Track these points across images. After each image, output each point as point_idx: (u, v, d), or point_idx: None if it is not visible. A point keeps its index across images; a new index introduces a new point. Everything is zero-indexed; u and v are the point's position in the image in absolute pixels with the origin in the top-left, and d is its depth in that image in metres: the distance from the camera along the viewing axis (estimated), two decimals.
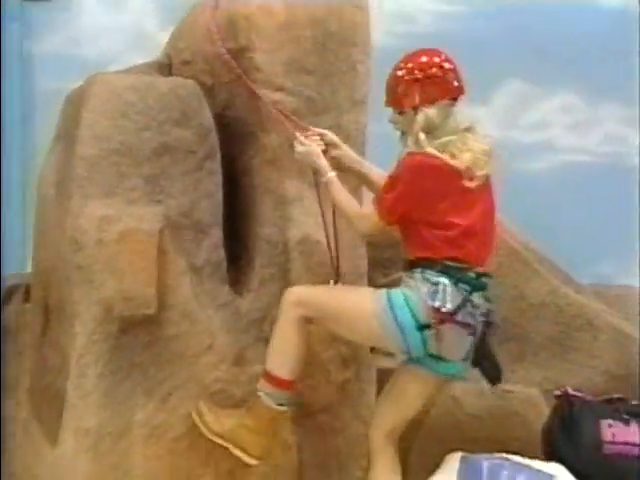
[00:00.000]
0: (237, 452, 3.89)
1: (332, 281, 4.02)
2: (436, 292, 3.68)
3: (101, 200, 3.94)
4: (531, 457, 4.04)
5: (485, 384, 3.93)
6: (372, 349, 3.99)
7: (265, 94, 4.08)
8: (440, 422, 4.31)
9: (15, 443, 4.35)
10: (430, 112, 3.80)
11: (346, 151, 4.02)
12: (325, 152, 3.93)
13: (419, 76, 3.82)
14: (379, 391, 4.09)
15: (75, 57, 5.10)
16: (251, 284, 4.11)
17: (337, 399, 4.11)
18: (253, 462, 3.90)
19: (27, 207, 4.86)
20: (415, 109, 3.81)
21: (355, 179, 4.07)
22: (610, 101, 5.22)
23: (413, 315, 3.68)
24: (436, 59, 3.88)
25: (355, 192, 4.03)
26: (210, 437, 3.89)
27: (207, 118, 4.10)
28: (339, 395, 4.11)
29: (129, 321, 3.90)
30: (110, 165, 3.96)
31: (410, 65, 3.85)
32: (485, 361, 3.80)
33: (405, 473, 4.01)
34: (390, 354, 3.86)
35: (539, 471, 3.89)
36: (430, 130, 3.79)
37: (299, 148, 3.93)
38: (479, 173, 3.77)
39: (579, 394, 4.23)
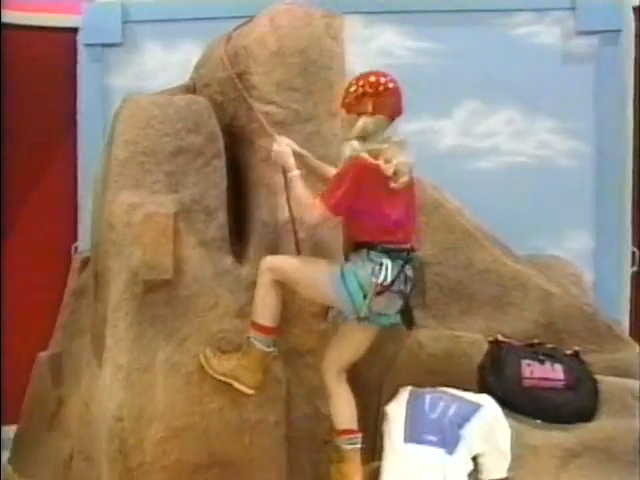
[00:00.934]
0: (237, 385, 3.87)
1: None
2: (379, 270, 3.66)
3: (130, 191, 3.95)
4: (471, 387, 4.02)
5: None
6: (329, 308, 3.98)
7: (258, 107, 4.03)
8: (407, 360, 4.23)
9: (83, 373, 4.36)
10: (368, 121, 3.71)
11: (309, 156, 3.97)
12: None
13: (368, 91, 3.73)
14: None
15: (141, 88, 5.06)
16: (249, 256, 4.05)
17: (319, 344, 4.01)
18: (250, 392, 3.89)
19: None
20: (359, 116, 3.73)
21: (315, 176, 3.97)
22: (541, 116, 5.21)
23: (361, 287, 3.67)
24: (382, 79, 3.78)
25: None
26: (215, 376, 3.88)
27: (215, 127, 4.07)
28: (320, 340, 4.01)
29: (151, 284, 3.88)
30: (137, 164, 3.97)
31: (362, 82, 3.76)
32: (405, 312, 3.79)
33: (379, 400, 4.02)
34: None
35: (470, 401, 3.79)
36: (365, 136, 3.71)
37: (275, 147, 3.86)
38: (401, 179, 3.72)
39: (507, 340, 4.14)
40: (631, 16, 5.11)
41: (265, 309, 3.81)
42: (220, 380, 3.87)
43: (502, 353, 4.05)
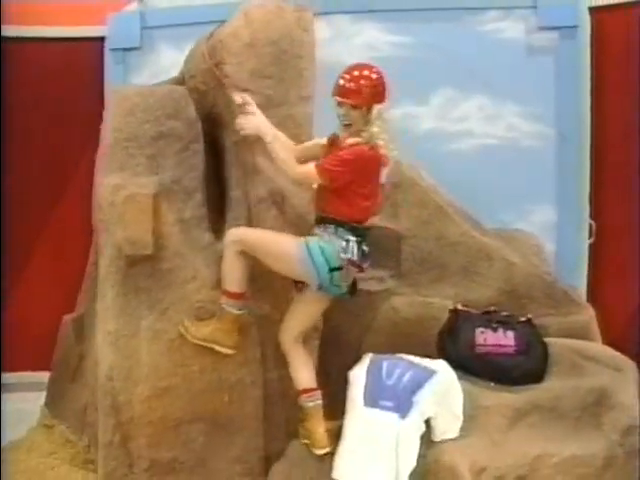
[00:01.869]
0: (216, 347, 3.28)
1: None
2: (347, 247, 3.10)
3: (116, 173, 3.34)
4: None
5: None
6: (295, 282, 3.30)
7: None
8: (383, 324, 3.68)
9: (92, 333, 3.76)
10: (375, 110, 3.11)
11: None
12: None
13: (375, 83, 3.15)
14: None
15: None
16: (225, 232, 3.35)
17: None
18: (230, 351, 3.29)
19: None
20: (369, 108, 3.11)
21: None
22: (509, 102, 4.56)
23: (327, 261, 3.08)
24: (379, 73, 3.19)
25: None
26: (195, 341, 3.28)
27: (192, 113, 3.42)
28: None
29: (134, 258, 3.28)
30: (122, 149, 3.36)
31: (367, 75, 3.16)
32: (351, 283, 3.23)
33: (358, 359, 3.35)
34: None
35: (425, 368, 3.11)
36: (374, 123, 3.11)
37: (242, 120, 3.22)
38: (387, 158, 3.16)
39: (465, 309, 3.46)
40: (587, 14, 4.50)
41: (232, 277, 3.19)
42: (200, 345, 3.26)
43: (459, 321, 3.38)
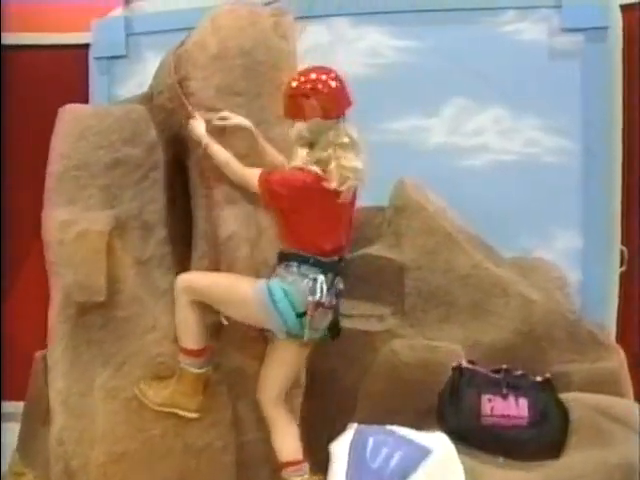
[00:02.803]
0: (179, 412, 2.76)
1: None
2: (314, 287, 2.54)
3: (65, 207, 2.81)
4: None
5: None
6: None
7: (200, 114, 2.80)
8: (382, 368, 3.15)
9: None
10: (301, 127, 2.53)
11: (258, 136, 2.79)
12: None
13: (300, 93, 2.52)
14: None
15: None
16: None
17: None
18: (194, 416, 2.77)
19: None
20: (294, 120, 2.55)
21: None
22: (528, 113, 3.90)
23: (292, 306, 2.55)
24: (323, 77, 2.55)
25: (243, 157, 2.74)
26: (154, 407, 2.77)
27: (153, 137, 2.88)
28: None
29: (85, 306, 2.76)
30: (71, 178, 2.82)
31: (294, 84, 2.56)
32: (332, 324, 2.67)
33: (355, 406, 3.02)
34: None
35: (419, 445, 2.52)
36: (304, 143, 2.51)
37: (189, 126, 2.76)
38: (344, 189, 2.54)
39: (471, 366, 2.87)
40: (618, 13, 3.82)
41: (188, 332, 2.68)
42: None
43: (462, 383, 2.77)
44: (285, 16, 2.91)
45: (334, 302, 2.61)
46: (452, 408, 2.72)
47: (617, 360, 3.23)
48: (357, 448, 2.49)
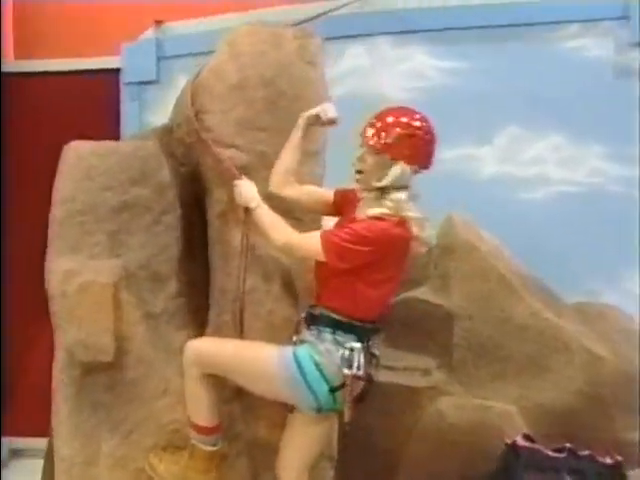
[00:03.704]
0: None
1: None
2: (351, 358, 2.16)
3: (68, 256, 2.47)
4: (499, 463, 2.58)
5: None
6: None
7: (221, 151, 2.43)
8: (425, 429, 2.82)
9: None
10: (406, 169, 2.16)
11: None
12: None
13: (412, 133, 2.18)
14: None
15: None
16: (207, 331, 2.48)
17: None
18: None
19: None
20: (394, 160, 2.16)
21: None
22: (592, 139, 3.47)
23: (325, 380, 2.15)
24: (425, 124, 2.22)
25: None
26: None
27: (165, 176, 2.52)
28: None
29: (89, 366, 2.42)
30: (75, 224, 2.47)
31: (406, 120, 2.19)
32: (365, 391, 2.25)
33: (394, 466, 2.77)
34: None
35: None
36: (397, 188, 2.17)
37: (236, 190, 2.36)
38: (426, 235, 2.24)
39: (527, 444, 2.41)
40: None
41: (198, 409, 2.30)
42: None
43: (519, 465, 2.35)
44: (311, 38, 2.51)
45: (371, 371, 2.21)
46: None
47: None
48: None
